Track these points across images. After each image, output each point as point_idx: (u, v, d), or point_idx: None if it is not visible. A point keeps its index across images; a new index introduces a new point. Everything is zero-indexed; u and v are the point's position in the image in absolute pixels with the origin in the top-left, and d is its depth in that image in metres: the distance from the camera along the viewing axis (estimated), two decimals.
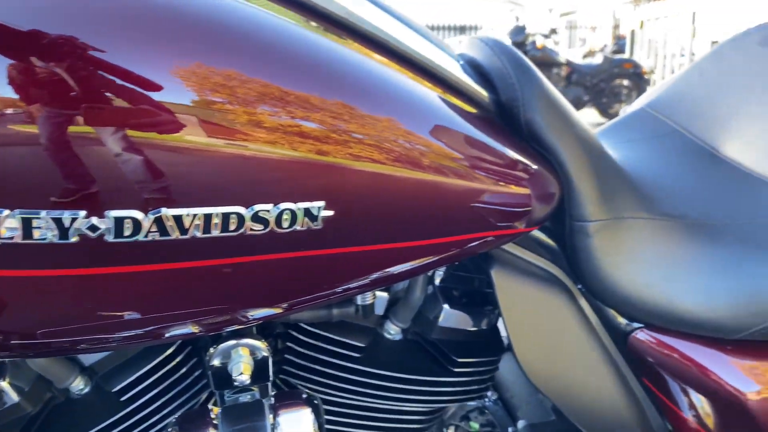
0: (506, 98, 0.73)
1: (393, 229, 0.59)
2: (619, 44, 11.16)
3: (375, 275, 0.62)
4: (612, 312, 0.79)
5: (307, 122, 0.51)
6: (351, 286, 0.61)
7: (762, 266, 0.72)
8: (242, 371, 0.64)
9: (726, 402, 0.74)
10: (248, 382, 0.65)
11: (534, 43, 8.16)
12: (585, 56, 10.82)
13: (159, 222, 0.47)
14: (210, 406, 0.69)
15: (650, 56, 9.23)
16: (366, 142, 0.54)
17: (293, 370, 0.75)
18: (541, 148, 0.72)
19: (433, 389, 0.79)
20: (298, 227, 0.52)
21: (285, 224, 0.51)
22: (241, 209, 0.49)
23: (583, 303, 0.78)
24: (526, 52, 8.15)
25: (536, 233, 0.81)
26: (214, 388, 0.67)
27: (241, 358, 0.65)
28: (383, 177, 0.56)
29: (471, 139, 0.64)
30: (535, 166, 0.70)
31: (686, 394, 0.76)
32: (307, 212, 0.52)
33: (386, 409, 0.79)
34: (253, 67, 0.49)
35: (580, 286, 0.80)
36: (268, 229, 0.51)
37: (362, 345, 0.75)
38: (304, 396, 0.66)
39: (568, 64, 8.19)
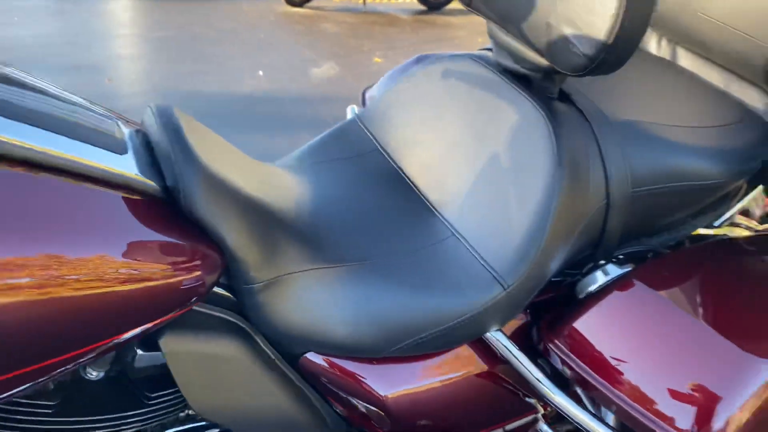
0: (171, 184, 0.80)
1: (55, 343, 0.65)
2: None
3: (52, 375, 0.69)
4: None
5: None
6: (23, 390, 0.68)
7: (390, 298, 0.88)
8: None
9: (376, 403, 0.93)
10: None
11: None
12: None
13: None
14: None
15: None
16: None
17: None
18: (206, 228, 0.81)
19: (133, 419, 0.89)
20: None
21: None
22: None
23: (259, 338, 0.91)
24: None
25: None
26: None
27: None
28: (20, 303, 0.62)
29: (138, 240, 0.71)
30: (202, 248, 0.78)
31: (351, 399, 0.94)
32: None
33: None
34: None
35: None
36: None
37: (52, 402, 0.83)
38: None
39: None
